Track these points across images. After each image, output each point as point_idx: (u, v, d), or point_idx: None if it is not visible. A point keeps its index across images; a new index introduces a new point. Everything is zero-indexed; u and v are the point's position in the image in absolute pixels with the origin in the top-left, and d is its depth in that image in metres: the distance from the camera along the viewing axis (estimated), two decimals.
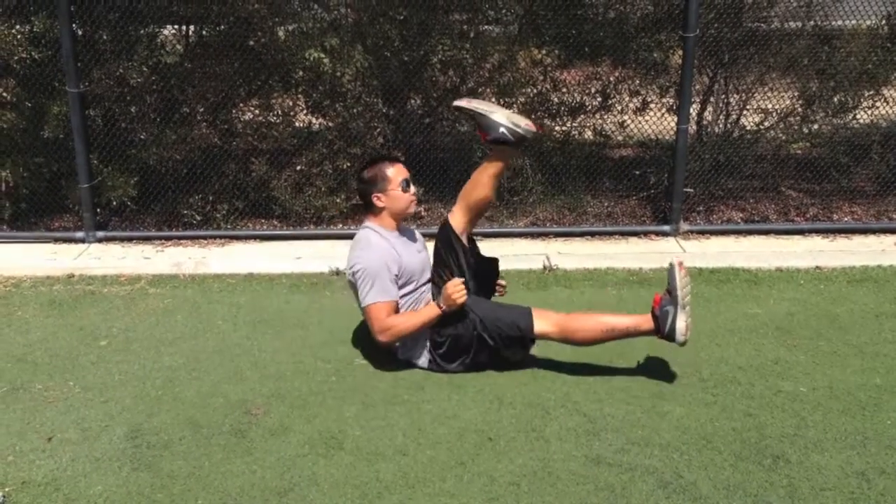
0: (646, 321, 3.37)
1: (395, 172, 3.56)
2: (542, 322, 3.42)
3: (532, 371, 3.50)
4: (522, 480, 2.77)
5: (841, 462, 2.84)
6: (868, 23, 5.32)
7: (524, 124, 3.48)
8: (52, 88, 5.01)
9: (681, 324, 3.28)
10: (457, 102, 3.59)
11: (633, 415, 3.16)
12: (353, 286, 3.50)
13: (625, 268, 4.71)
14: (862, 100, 5.42)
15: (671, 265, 3.35)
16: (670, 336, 3.30)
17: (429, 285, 3.62)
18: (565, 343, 3.48)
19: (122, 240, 5.23)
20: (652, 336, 3.38)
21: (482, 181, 3.53)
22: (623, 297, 4.29)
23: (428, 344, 3.50)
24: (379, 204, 3.56)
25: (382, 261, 3.43)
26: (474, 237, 3.70)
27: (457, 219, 3.54)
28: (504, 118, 3.47)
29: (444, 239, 3.53)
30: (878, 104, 5.46)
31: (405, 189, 3.56)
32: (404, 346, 3.54)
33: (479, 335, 3.43)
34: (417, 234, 3.80)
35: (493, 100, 5.19)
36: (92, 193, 5.12)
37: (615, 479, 2.77)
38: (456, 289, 3.36)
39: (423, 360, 3.53)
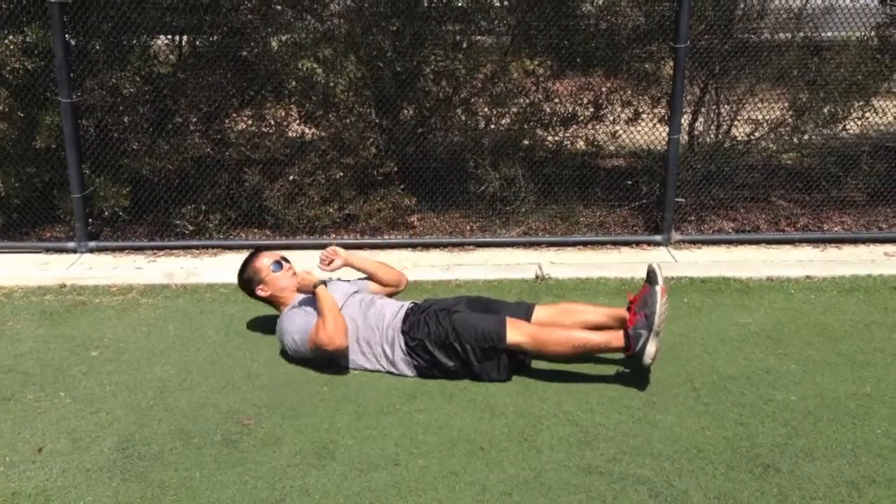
0: (616, 339, 3.39)
1: (262, 261, 3.87)
2: (516, 332, 3.44)
3: (524, 381, 3.50)
4: (514, 490, 2.77)
5: (831, 471, 2.85)
6: (857, 34, 5.36)
7: (650, 359, 3.31)
8: (44, 98, 5.01)
9: (651, 348, 3.29)
10: (658, 289, 3.36)
11: (625, 424, 3.17)
12: (302, 353, 3.63)
13: (617, 277, 4.73)
14: (852, 110, 5.44)
15: (654, 291, 3.34)
16: (638, 356, 3.31)
17: (354, 296, 3.77)
18: (539, 356, 3.49)
19: (113, 250, 5.22)
20: (621, 353, 3.41)
21: (568, 347, 3.44)
22: (615, 306, 4.29)
23: (405, 350, 3.53)
24: (265, 294, 3.86)
25: (290, 320, 3.68)
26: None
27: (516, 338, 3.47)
28: (652, 348, 3.30)
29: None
30: (867, 115, 5.49)
31: (276, 270, 3.85)
32: (388, 361, 3.57)
33: (450, 343, 3.47)
34: (359, 284, 3.96)
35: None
36: (84, 203, 5.11)
37: (607, 488, 2.77)
38: (300, 280, 3.70)
39: (409, 370, 3.55)
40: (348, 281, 3.96)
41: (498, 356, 3.45)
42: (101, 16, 4.91)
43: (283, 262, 3.90)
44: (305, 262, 4.97)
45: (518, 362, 3.54)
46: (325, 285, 3.68)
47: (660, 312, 3.29)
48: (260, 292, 3.87)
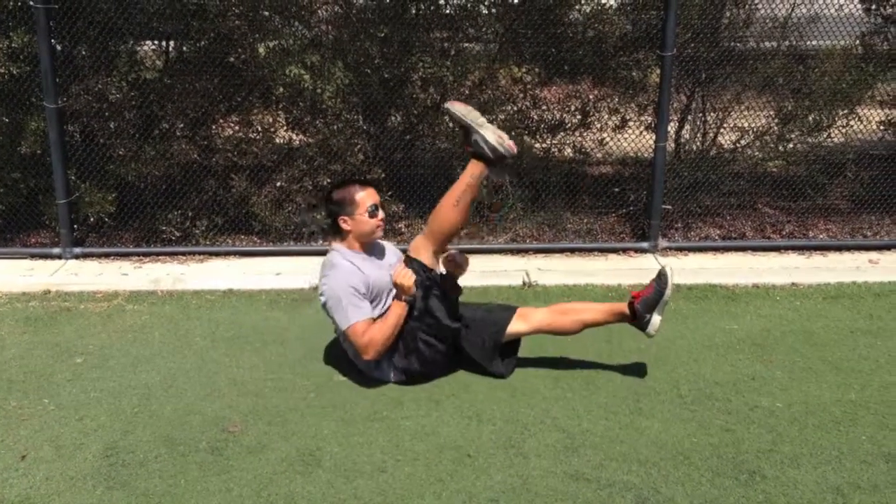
0: (621, 307, 3.55)
1: (364, 197, 3.55)
2: (521, 323, 3.58)
3: (511, 387, 3.50)
4: (501, 497, 2.77)
5: (816, 477, 2.86)
6: (842, 43, 5.40)
7: (507, 144, 3.47)
8: (29, 104, 4.98)
9: (656, 320, 3.48)
10: (449, 105, 3.54)
11: (612, 431, 3.17)
12: (329, 314, 3.51)
13: (604, 284, 4.73)
14: (836, 119, 5.48)
15: (665, 273, 3.51)
16: (644, 325, 3.49)
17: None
18: (546, 333, 3.64)
19: (99, 256, 5.20)
20: (626, 322, 3.56)
21: (444, 206, 3.52)
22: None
23: (394, 357, 3.51)
24: (345, 227, 3.57)
25: (347, 282, 3.43)
26: (456, 264, 3.74)
27: (422, 246, 3.53)
28: (490, 134, 3.45)
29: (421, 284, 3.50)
30: (852, 123, 5.53)
31: (372, 214, 3.55)
32: (370, 368, 3.56)
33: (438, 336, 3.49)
34: (390, 249, 3.79)
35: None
36: (69, 209, 5.09)
37: (594, 494, 2.77)
38: (402, 276, 3.39)
39: (393, 374, 3.54)
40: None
41: (500, 349, 3.58)
42: (87, 21, 4.89)
43: (380, 209, 3.61)
44: (291, 268, 4.97)
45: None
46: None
47: (669, 292, 3.48)
48: (342, 223, 3.56)
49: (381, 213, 3.59)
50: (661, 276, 3.51)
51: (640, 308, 3.48)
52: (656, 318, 3.47)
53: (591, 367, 3.64)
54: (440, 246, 3.58)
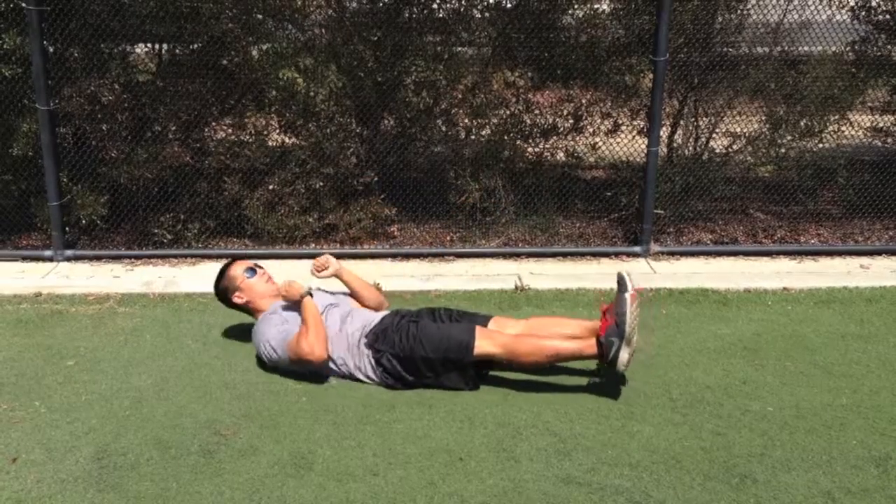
0: (589, 346, 3.40)
1: (235, 269, 3.89)
2: (487, 342, 3.43)
3: (503, 391, 3.51)
4: (493, 501, 2.77)
5: (807, 481, 2.87)
6: (833, 49, 5.43)
7: (624, 364, 3.33)
8: (21, 106, 4.97)
9: (624, 356, 3.30)
10: (629, 295, 3.34)
11: (604, 434, 3.17)
12: (276, 362, 3.63)
13: (596, 288, 4.74)
14: (828, 124, 5.51)
15: (623, 298, 3.33)
16: (612, 364, 3.34)
17: (334, 307, 3.76)
18: (511, 365, 3.50)
19: (91, 258, 5.18)
20: (594, 360, 3.45)
21: (541, 356, 3.43)
22: (594, 317, 4.28)
23: (371, 362, 3.54)
24: (242, 301, 3.87)
25: (267, 326, 3.67)
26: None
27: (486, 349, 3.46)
28: (626, 354, 3.31)
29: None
30: (843, 128, 5.56)
31: (251, 276, 3.86)
32: (363, 374, 3.58)
33: (413, 357, 3.47)
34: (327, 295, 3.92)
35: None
36: (61, 212, 5.07)
37: (585, 498, 2.78)
38: (286, 290, 3.69)
39: (375, 376, 3.56)
40: (331, 293, 3.95)
41: (464, 367, 3.45)
42: (79, 23, 4.88)
43: (257, 268, 3.93)
44: (285, 272, 4.96)
45: (484, 369, 3.58)
46: (311, 296, 3.68)
47: (630, 319, 3.29)
48: (236, 300, 3.87)
49: (259, 270, 3.92)
50: (619, 308, 3.33)
51: (605, 342, 3.34)
52: (623, 354, 3.29)
53: (583, 371, 3.64)
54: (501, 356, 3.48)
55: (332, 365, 3.60)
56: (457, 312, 3.78)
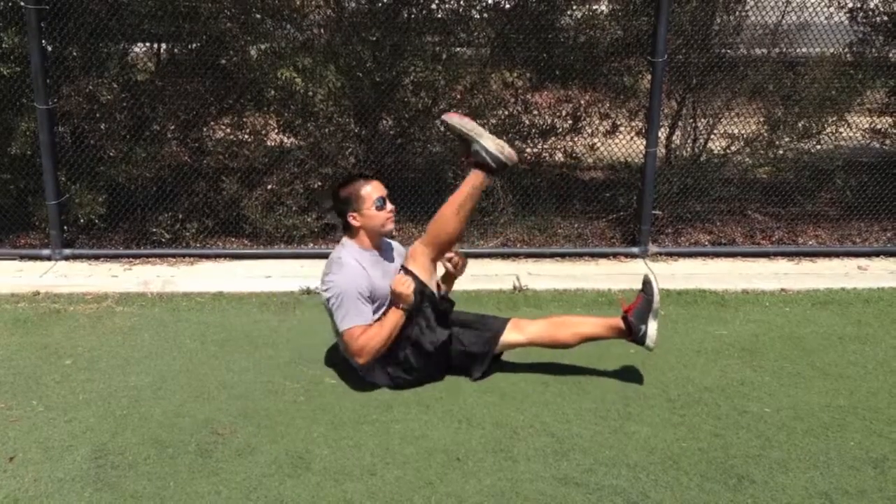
0: (617, 323, 3.55)
1: (371, 190, 3.53)
2: (516, 334, 3.60)
3: (501, 391, 3.51)
4: (490, 501, 2.77)
5: (805, 482, 2.87)
6: (831, 50, 5.44)
7: (507, 152, 3.48)
8: (20, 105, 4.97)
9: (652, 331, 3.48)
10: (446, 117, 3.56)
11: (601, 435, 3.17)
12: (329, 311, 3.49)
13: (594, 289, 4.75)
14: (825, 125, 5.52)
15: (648, 277, 3.55)
16: (641, 339, 3.49)
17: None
18: (540, 346, 3.64)
19: (89, 258, 5.18)
20: (622, 338, 3.56)
21: (446, 215, 3.51)
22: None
23: (387, 365, 3.51)
24: (355, 223, 3.54)
25: (353, 284, 3.41)
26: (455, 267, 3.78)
27: (421, 253, 3.51)
28: (491, 144, 3.47)
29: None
30: (841, 130, 5.57)
31: (380, 207, 3.53)
32: (362, 368, 3.55)
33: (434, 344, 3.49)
34: (398, 250, 3.77)
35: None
36: (59, 211, 5.07)
37: (583, 498, 2.78)
38: (401, 285, 3.42)
39: (384, 378, 3.53)
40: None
41: (488, 358, 3.58)
42: (78, 22, 4.88)
43: (388, 203, 3.59)
44: (283, 271, 4.97)
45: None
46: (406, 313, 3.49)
47: (657, 298, 3.49)
48: (350, 218, 3.54)
49: (389, 206, 3.57)
50: (647, 284, 3.53)
51: (633, 321, 3.48)
52: (652, 329, 3.48)
53: (581, 372, 3.65)
54: (438, 254, 3.57)
55: (370, 368, 3.53)
56: (473, 322, 3.72)
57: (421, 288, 3.47)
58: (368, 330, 3.41)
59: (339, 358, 3.68)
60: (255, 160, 5.25)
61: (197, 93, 5.19)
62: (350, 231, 3.58)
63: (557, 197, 5.58)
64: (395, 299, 3.45)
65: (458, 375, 3.61)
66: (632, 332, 3.48)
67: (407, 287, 3.41)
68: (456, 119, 3.53)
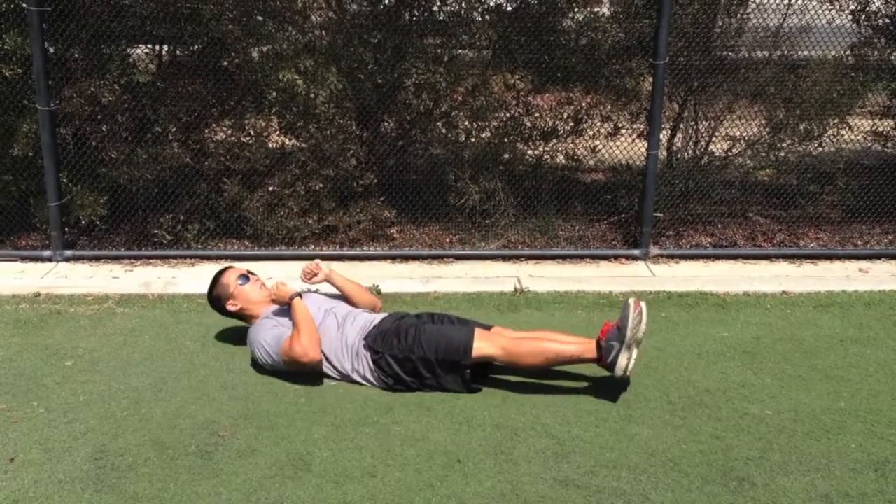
0: (589, 350, 3.40)
1: (228, 276, 3.89)
2: (487, 344, 3.44)
3: (501, 393, 3.51)
4: (491, 503, 2.77)
5: (805, 485, 2.87)
6: (833, 53, 5.43)
7: (622, 374, 3.33)
8: (21, 106, 4.97)
9: (622, 361, 3.29)
10: (633, 302, 3.36)
11: (602, 437, 3.17)
12: (272, 364, 3.61)
13: (595, 291, 4.74)
14: (827, 128, 5.51)
15: (626, 304, 3.36)
16: (610, 367, 3.33)
17: (330, 310, 3.76)
18: (511, 366, 3.51)
19: (90, 259, 5.18)
20: (594, 363, 3.42)
21: (537, 358, 3.45)
22: (593, 320, 4.31)
23: (370, 364, 3.54)
24: (235, 308, 3.86)
25: (260, 328, 3.69)
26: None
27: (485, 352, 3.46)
28: (625, 360, 3.31)
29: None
30: (842, 132, 5.56)
31: (244, 283, 3.86)
32: (360, 376, 3.57)
33: (412, 358, 3.46)
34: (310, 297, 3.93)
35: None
36: (61, 212, 5.07)
37: (583, 501, 2.77)
38: (277, 293, 3.71)
39: (374, 379, 3.55)
40: (328, 296, 3.95)
41: (461, 370, 3.44)
42: (80, 24, 4.89)
43: (250, 275, 3.93)
44: (285, 273, 4.97)
45: (484, 372, 3.58)
46: (301, 297, 3.68)
47: (632, 325, 3.28)
48: (230, 307, 3.87)
49: (252, 277, 3.92)
50: (623, 311, 3.36)
51: (605, 345, 3.35)
52: (623, 359, 3.28)
53: (582, 374, 3.64)
54: (495, 359, 3.49)
55: (328, 367, 3.60)
56: (458, 319, 3.77)
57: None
58: (291, 335, 3.53)
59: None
60: (257, 162, 5.25)
61: (198, 95, 5.19)
62: (242, 318, 3.90)
63: (559, 199, 5.57)
64: (279, 301, 3.71)
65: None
66: (602, 359, 3.35)
67: (281, 290, 3.69)
68: (632, 311, 3.33)
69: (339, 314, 3.72)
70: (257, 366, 3.71)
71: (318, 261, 3.94)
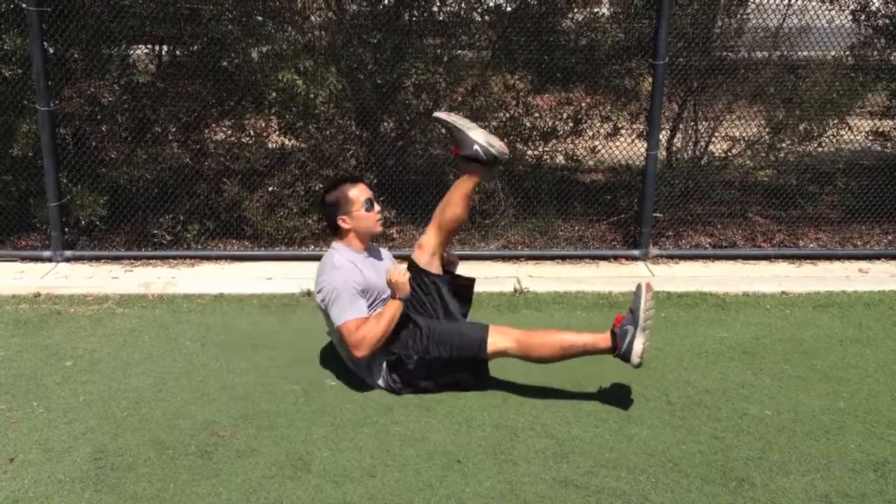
0: (604, 339, 3.35)
1: (358, 193, 3.57)
2: (501, 338, 3.41)
3: (501, 394, 3.51)
4: (490, 503, 2.77)
5: (804, 485, 2.87)
6: (832, 53, 5.43)
7: (498, 146, 3.55)
8: (21, 106, 4.97)
9: (638, 346, 3.26)
10: (437, 114, 3.66)
11: (601, 437, 3.17)
12: (324, 311, 3.49)
13: (595, 291, 4.74)
14: (827, 128, 5.51)
15: (638, 286, 3.35)
16: (626, 356, 3.29)
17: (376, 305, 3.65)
18: (525, 359, 3.47)
19: (90, 259, 5.18)
20: (608, 354, 3.37)
21: (454, 200, 3.62)
22: (592, 320, 4.31)
23: (384, 366, 3.51)
24: (344, 226, 3.57)
25: (347, 280, 3.43)
26: (450, 261, 3.77)
27: (429, 241, 3.61)
28: (481, 136, 3.54)
29: (417, 281, 3.53)
30: (842, 132, 5.56)
31: (369, 209, 3.57)
32: (360, 369, 3.56)
33: (428, 358, 3.44)
34: (385, 253, 3.82)
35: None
36: (60, 212, 5.07)
37: (583, 501, 2.77)
38: (398, 274, 3.46)
39: (381, 381, 3.54)
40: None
41: (478, 364, 3.44)
42: (79, 24, 4.89)
43: (376, 203, 3.63)
44: (284, 273, 4.97)
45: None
46: (403, 302, 3.50)
47: (645, 308, 3.27)
48: (341, 222, 3.56)
49: (376, 207, 3.62)
50: (636, 293, 3.36)
51: (619, 333, 3.34)
52: (638, 345, 3.26)
53: (581, 374, 3.64)
54: (446, 239, 3.66)
55: (366, 364, 3.53)
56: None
57: (430, 281, 3.56)
58: (366, 323, 3.40)
59: (339, 359, 3.67)
60: (256, 162, 5.25)
61: (198, 95, 5.20)
62: (340, 234, 3.61)
63: (558, 199, 5.57)
64: (392, 289, 3.47)
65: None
66: (617, 348, 3.32)
67: (403, 276, 3.45)
68: (444, 115, 3.63)
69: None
70: (261, 365, 3.71)
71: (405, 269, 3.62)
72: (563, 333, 3.47)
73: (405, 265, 3.59)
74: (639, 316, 3.28)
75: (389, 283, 3.48)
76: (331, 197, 3.59)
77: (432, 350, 3.44)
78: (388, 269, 3.51)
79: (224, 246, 5.36)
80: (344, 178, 3.70)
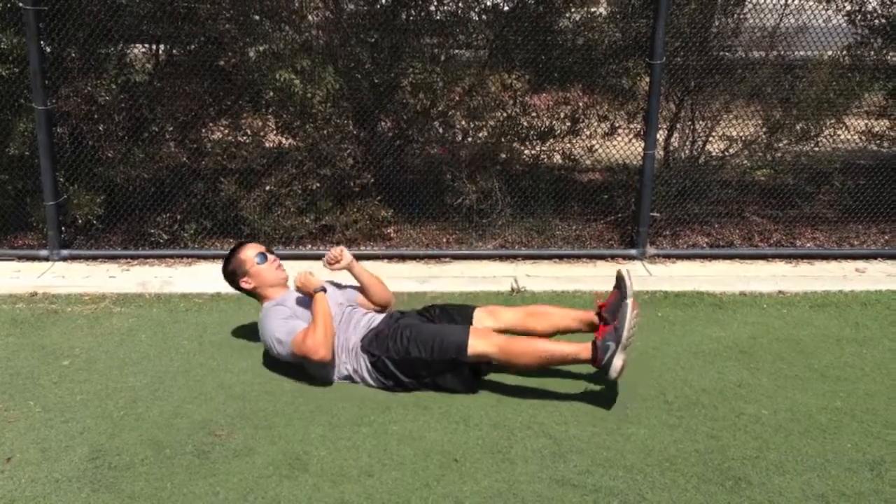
0: (585, 350, 3.33)
1: (248, 252, 3.81)
2: (482, 342, 3.40)
3: (498, 393, 3.51)
4: (487, 502, 2.77)
5: (801, 484, 2.88)
6: (829, 53, 5.44)
7: (614, 374, 3.26)
8: (18, 105, 4.96)
9: (618, 362, 3.23)
10: (630, 302, 3.36)
11: (599, 437, 3.18)
12: (285, 355, 3.58)
13: (592, 290, 4.75)
14: (824, 128, 5.52)
15: (625, 304, 3.33)
16: (605, 369, 3.26)
17: (348, 308, 3.76)
18: (505, 367, 3.48)
19: (87, 258, 5.17)
20: (588, 364, 3.36)
21: (532, 357, 3.42)
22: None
23: (368, 366, 3.54)
24: (248, 286, 3.80)
25: (275, 319, 3.61)
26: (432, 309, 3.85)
27: (490, 324, 3.65)
28: (619, 360, 3.25)
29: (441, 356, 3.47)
30: (839, 132, 5.57)
31: (261, 262, 3.78)
32: (359, 377, 3.58)
33: (409, 359, 3.45)
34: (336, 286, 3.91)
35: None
36: (57, 211, 5.07)
37: (580, 500, 2.78)
38: (299, 279, 3.64)
39: (372, 380, 3.55)
40: (341, 288, 3.89)
41: (459, 368, 3.43)
42: (76, 23, 4.88)
43: (268, 254, 3.83)
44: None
45: (476, 371, 3.55)
46: (325, 291, 3.62)
47: (629, 326, 3.26)
48: (244, 284, 3.79)
49: (271, 257, 3.83)
50: (620, 280, 3.48)
51: (607, 316, 3.43)
52: (618, 361, 3.22)
53: (578, 374, 3.64)
54: (493, 359, 3.47)
55: (334, 365, 3.58)
56: (448, 306, 3.80)
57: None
58: (308, 329, 3.49)
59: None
60: (254, 161, 5.24)
61: (195, 94, 5.19)
62: (255, 296, 3.84)
63: (555, 199, 5.57)
64: (304, 292, 3.64)
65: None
66: (597, 360, 3.26)
67: (303, 276, 3.63)
68: (630, 312, 3.31)
69: (345, 314, 3.70)
70: (259, 361, 3.71)
71: (342, 247, 3.87)
72: (544, 342, 3.48)
73: (305, 270, 3.71)
74: (622, 334, 3.25)
75: (298, 289, 3.67)
76: (228, 269, 3.85)
77: (412, 351, 3.45)
78: (295, 280, 3.68)
79: (221, 245, 5.35)
80: (234, 247, 3.91)
